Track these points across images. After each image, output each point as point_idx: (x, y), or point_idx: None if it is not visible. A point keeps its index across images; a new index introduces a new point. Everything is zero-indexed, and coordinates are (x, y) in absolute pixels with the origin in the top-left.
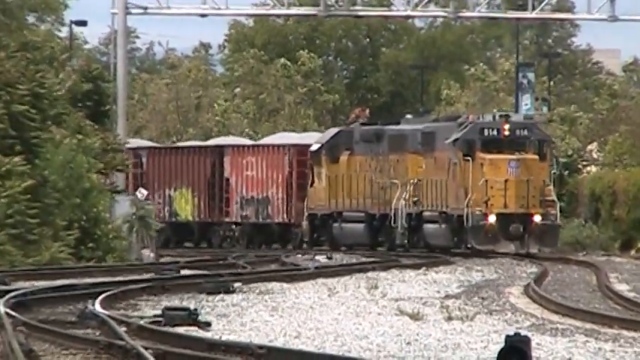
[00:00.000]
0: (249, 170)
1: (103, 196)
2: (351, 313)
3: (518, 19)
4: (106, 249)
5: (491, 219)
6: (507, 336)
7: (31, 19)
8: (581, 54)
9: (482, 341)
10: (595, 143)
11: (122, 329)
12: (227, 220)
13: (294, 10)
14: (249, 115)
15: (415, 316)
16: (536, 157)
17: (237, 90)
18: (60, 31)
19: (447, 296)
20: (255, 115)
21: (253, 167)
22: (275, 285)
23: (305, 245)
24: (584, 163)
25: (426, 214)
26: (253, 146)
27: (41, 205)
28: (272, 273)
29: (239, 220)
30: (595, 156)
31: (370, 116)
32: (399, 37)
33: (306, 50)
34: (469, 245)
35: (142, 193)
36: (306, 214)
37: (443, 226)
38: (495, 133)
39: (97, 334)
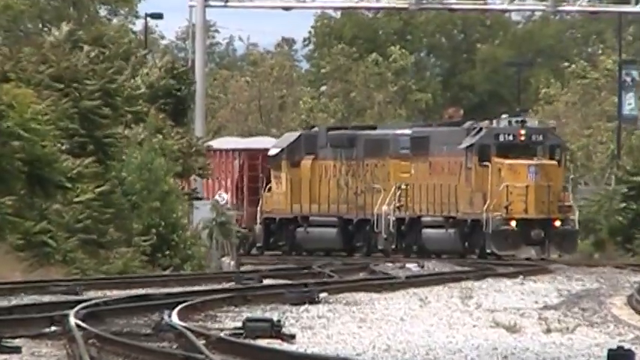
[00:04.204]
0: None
1: (181, 201)
2: (443, 324)
3: (621, 13)
4: (183, 257)
5: (512, 224)
6: (610, 350)
7: (103, 12)
8: None
9: (583, 355)
10: None
11: (201, 342)
12: None
13: (384, 3)
14: (336, 115)
15: (512, 328)
16: (555, 162)
17: (324, 88)
18: (134, 24)
19: (546, 307)
20: (344, 114)
21: None
22: (363, 295)
23: (256, 249)
24: None
25: (426, 219)
26: None
27: (114, 210)
28: (360, 282)
29: None
30: None
31: (464, 116)
32: (495, 33)
33: (397, 46)
34: (488, 251)
35: (222, 197)
36: (260, 218)
37: (450, 231)
38: (511, 138)
39: (174, 347)
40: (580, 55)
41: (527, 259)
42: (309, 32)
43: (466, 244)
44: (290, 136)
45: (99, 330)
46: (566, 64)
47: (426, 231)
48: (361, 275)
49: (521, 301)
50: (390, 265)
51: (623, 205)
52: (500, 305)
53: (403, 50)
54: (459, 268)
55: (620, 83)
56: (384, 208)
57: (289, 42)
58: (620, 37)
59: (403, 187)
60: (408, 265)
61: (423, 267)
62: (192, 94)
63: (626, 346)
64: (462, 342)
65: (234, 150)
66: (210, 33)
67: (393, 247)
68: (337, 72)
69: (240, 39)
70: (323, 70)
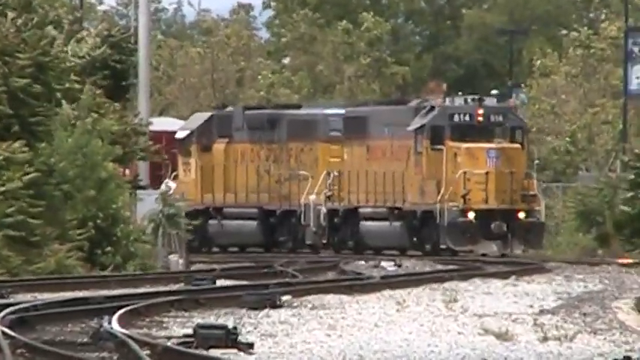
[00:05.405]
0: None
1: (122, 190)
2: (424, 331)
3: None
4: (125, 254)
5: (471, 216)
6: None
7: None
8: None
9: None
10: None
11: (145, 352)
12: None
13: None
14: (301, 91)
15: (503, 336)
16: (518, 146)
17: (286, 60)
18: None
19: (542, 311)
20: (309, 90)
21: None
22: (332, 297)
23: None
24: None
25: (365, 210)
26: None
27: (46, 201)
28: (328, 283)
29: None
30: None
31: (448, 91)
32: None
33: (371, 12)
34: (443, 246)
35: (169, 186)
36: None
37: (395, 224)
38: (468, 118)
39: (115, 358)
40: (580, 22)
41: (483, 254)
42: None
43: (414, 238)
44: (200, 117)
45: (28, 339)
46: (565, 31)
47: (365, 224)
48: (329, 275)
49: (513, 305)
50: (362, 263)
51: (631, 194)
52: (490, 309)
53: (377, 17)
54: (441, 267)
55: (627, 54)
56: (313, 197)
57: (246, 7)
58: (627, 1)
59: (335, 174)
60: (382, 264)
61: (400, 266)
62: (134, 66)
63: (634, 355)
64: (446, 351)
65: None
66: None
67: (324, 241)
68: (300, 42)
69: (190, 4)
70: (284, 39)
